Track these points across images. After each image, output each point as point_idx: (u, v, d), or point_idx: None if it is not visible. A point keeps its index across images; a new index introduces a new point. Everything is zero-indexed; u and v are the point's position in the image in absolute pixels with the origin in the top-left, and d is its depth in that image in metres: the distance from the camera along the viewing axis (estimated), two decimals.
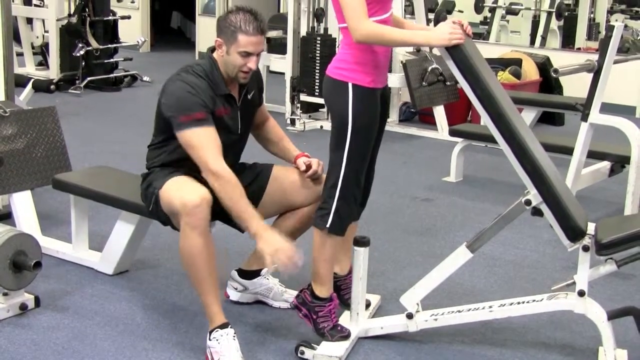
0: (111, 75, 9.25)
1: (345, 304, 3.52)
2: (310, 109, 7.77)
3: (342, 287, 3.57)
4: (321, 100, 7.52)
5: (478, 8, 10.39)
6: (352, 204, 3.21)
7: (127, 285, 3.87)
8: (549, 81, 8.05)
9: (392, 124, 7.65)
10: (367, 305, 3.53)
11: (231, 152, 3.40)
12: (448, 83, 7.16)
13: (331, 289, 3.32)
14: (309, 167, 3.47)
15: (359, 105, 3.10)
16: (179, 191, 3.17)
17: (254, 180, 3.51)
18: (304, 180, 3.48)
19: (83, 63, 8.88)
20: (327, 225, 3.18)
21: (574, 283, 3.18)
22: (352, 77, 3.11)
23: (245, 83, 3.34)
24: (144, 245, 4.07)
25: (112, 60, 9.33)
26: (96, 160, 4.79)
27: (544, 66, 8.14)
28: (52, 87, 8.71)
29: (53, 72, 8.82)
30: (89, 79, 8.91)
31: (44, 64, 9.27)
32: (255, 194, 3.49)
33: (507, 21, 10.48)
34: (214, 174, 3.12)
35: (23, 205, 4.30)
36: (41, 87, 8.59)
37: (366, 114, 3.14)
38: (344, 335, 3.28)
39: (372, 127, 3.18)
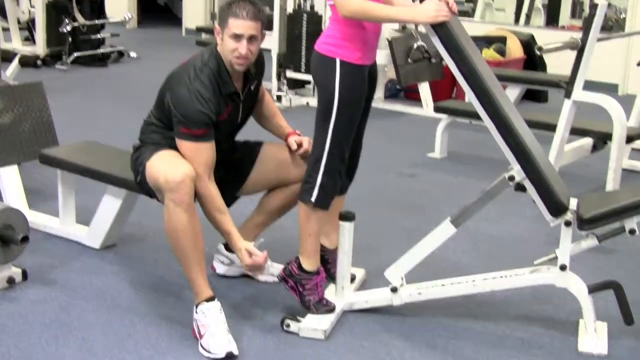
0: (98, 51, 9.20)
1: (331, 277, 3.54)
2: (296, 85, 7.76)
3: (329, 260, 3.58)
4: (307, 77, 7.52)
5: None
6: (336, 178, 3.21)
7: (115, 259, 3.87)
8: (533, 59, 8.06)
9: (378, 101, 7.63)
10: (352, 279, 3.54)
11: (228, 136, 3.42)
12: (433, 60, 7.16)
13: (318, 262, 3.33)
14: (299, 145, 3.47)
15: (346, 81, 3.10)
16: (163, 166, 3.16)
17: (244, 157, 3.52)
18: (294, 158, 3.48)
19: (70, 39, 8.82)
20: (312, 199, 3.19)
21: (556, 257, 3.20)
22: (339, 53, 3.10)
23: (246, 73, 3.30)
24: (131, 219, 4.06)
25: (98, 36, 9.27)
26: (83, 135, 4.76)
27: (528, 44, 8.14)
28: (39, 62, 8.71)
29: (39, 47, 8.75)
30: (75, 54, 8.86)
31: (30, 39, 9.21)
32: (245, 170, 3.51)
33: None
34: (197, 191, 3.15)
35: (10, 179, 4.29)
36: (28, 62, 8.55)
37: (353, 90, 3.13)
38: (329, 308, 3.29)
39: (358, 103, 3.18)
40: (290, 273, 3.32)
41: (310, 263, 3.30)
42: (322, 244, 3.48)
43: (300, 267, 3.30)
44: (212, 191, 3.20)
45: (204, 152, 3.19)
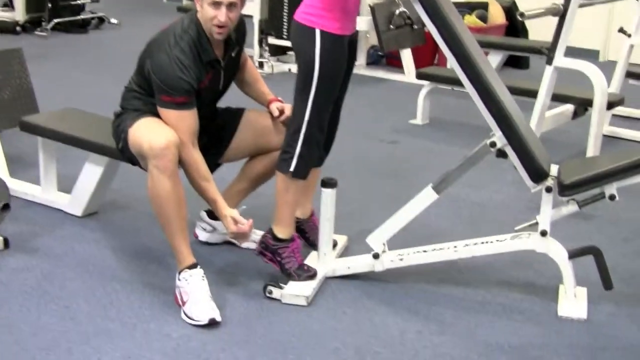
0: (78, 18, 9.10)
1: (311, 245, 3.54)
2: (278, 51, 7.72)
3: (306, 229, 3.60)
4: (290, 44, 7.47)
5: None
6: (315, 148, 3.21)
7: (97, 226, 3.85)
8: (515, 25, 8.04)
9: (360, 67, 7.61)
10: (334, 245, 3.55)
11: (209, 103, 3.40)
12: (415, 27, 7.10)
13: (293, 231, 3.33)
14: (281, 112, 3.46)
15: (326, 52, 3.08)
16: (147, 133, 3.14)
17: (226, 124, 3.50)
18: (276, 125, 3.47)
19: (49, 5, 8.72)
20: (291, 169, 3.19)
21: (536, 223, 3.21)
22: (319, 23, 3.08)
23: (227, 39, 3.27)
24: (113, 186, 4.04)
25: (79, 2, 9.16)
26: (64, 102, 4.72)
27: (510, 10, 8.12)
28: (18, 29, 8.62)
29: (19, 13, 8.65)
30: (55, 21, 8.76)
31: (9, 5, 9.09)
32: (226, 137, 3.49)
33: None
34: (181, 158, 3.13)
35: None
36: (7, 28, 8.45)
37: (333, 60, 3.12)
38: (311, 274, 3.30)
39: (338, 73, 3.16)
40: (266, 245, 3.33)
41: (284, 231, 3.30)
42: (296, 215, 3.48)
43: (274, 237, 3.30)
44: (197, 158, 3.18)
45: (187, 119, 3.16)
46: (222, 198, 3.21)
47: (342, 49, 3.15)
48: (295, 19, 3.16)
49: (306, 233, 3.59)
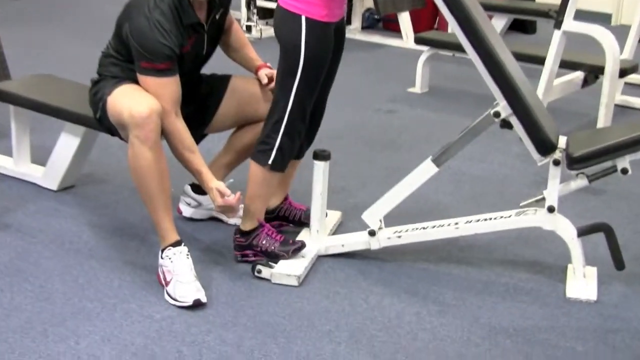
0: None
1: (302, 223, 3.56)
2: (267, 14, 7.68)
3: (286, 212, 3.60)
4: None
5: None
6: (296, 140, 3.21)
7: (73, 201, 3.85)
8: None
9: (355, 32, 7.60)
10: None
11: (193, 69, 3.39)
12: None
13: (255, 219, 3.31)
14: (270, 79, 3.44)
15: (311, 40, 3.06)
16: (127, 101, 3.12)
17: (211, 92, 3.49)
18: (265, 93, 3.46)
19: None
20: (269, 162, 3.19)
21: (543, 199, 3.22)
22: (305, 10, 3.06)
23: (210, 1, 3.24)
24: (91, 158, 4.04)
25: None
26: (37, 68, 4.70)
27: None
28: None
29: None
30: None
31: None
32: (211, 105, 3.48)
33: None
34: (164, 128, 3.12)
35: None
36: None
37: (319, 48, 3.10)
38: (297, 246, 3.30)
39: (324, 62, 3.15)
40: (241, 246, 3.33)
41: (248, 224, 3.30)
42: (270, 209, 3.50)
43: (242, 233, 3.31)
44: (181, 128, 3.17)
45: (169, 87, 3.15)
46: (208, 169, 3.20)
47: (328, 36, 3.13)
48: (279, 4, 3.14)
49: (290, 215, 3.60)
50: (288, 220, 3.59)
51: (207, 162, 3.35)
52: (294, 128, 3.17)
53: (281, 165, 3.22)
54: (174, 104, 3.15)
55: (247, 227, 3.31)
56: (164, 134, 3.15)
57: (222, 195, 3.13)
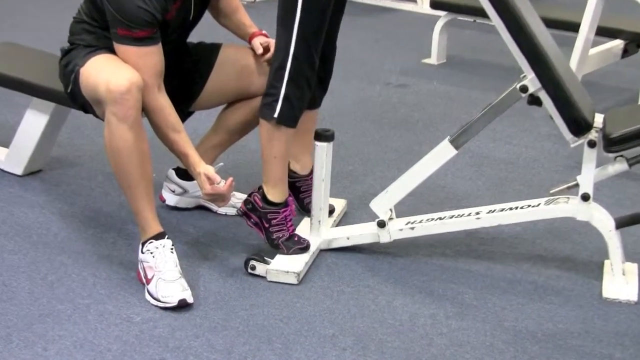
0: None
1: (305, 210, 3.56)
2: None
3: (301, 188, 3.60)
4: None
5: None
6: (304, 87, 3.18)
7: (41, 187, 3.85)
8: None
9: None
10: (331, 211, 3.56)
11: (178, 37, 3.39)
12: None
13: (286, 192, 3.33)
14: (266, 49, 3.43)
15: None
16: (103, 73, 3.11)
17: (199, 63, 3.47)
18: (260, 65, 3.45)
19: None
20: (275, 115, 3.17)
21: (577, 185, 3.21)
22: None
23: None
24: (60, 139, 4.04)
25: None
26: (0, 36, 4.71)
27: None
28: None
29: None
30: None
31: None
32: (199, 78, 3.46)
33: None
34: (145, 105, 3.11)
35: None
36: None
37: None
38: (302, 247, 3.31)
39: None
40: (253, 206, 3.32)
41: (276, 193, 3.30)
42: (292, 169, 3.48)
43: (264, 198, 3.30)
44: (164, 104, 3.17)
45: (150, 57, 3.14)
46: (195, 152, 3.20)
47: None
48: None
49: (302, 193, 3.60)
50: (298, 198, 3.59)
51: (194, 144, 3.35)
52: (300, 73, 3.15)
53: (290, 118, 3.19)
54: (155, 77, 3.14)
55: (271, 196, 3.29)
56: (145, 111, 3.14)
57: (212, 181, 3.12)
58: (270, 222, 3.30)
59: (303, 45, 3.11)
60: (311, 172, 3.48)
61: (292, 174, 3.49)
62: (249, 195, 3.34)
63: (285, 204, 3.32)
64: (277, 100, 3.16)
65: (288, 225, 3.32)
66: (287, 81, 3.14)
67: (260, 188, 3.31)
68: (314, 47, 3.15)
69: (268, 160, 3.27)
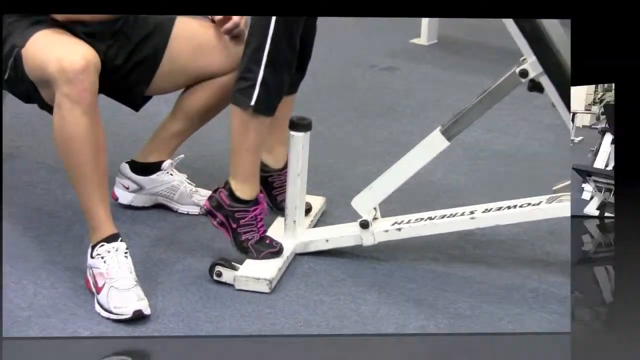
0: None
1: (278, 208, 3.56)
2: None
3: (274, 184, 3.60)
4: None
5: None
6: (283, 73, 3.18)
7: None
8: None
9: None
10: (308, 210, 3.57)
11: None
12: None
13: (257, 188, 3.32)
14: (227, 19, 3.42)
15: None
16: (53, 50, 3.07)
17: (148, 40, 3.44)
18: (221, 39, 3.44)
19: None
20: (252, 102, 3.16)
21: None
22: None
23: None
24: None
25: None
26: None
27: None
28: None
29: None
30: None
31: None
32: (152, 58, 3.44)
33: None
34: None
35: None
36: None
37: None
38: (275, 251, 3.30)
39: None
40: (219, 204, 3.31)
41: (245, 189, 3.29)
42: (264, 162, 3.47)
43: (232, 195, 3.29)
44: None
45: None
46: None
47: None
48: None
49: (274, 190, 3.61)
50: (270, 195, 3.60)
51: (152, 132, 3.33)
52: (280, 56, 3.14)
53: (267, 105, 3.19)
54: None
55: (240, 193, 3.28)
56: None
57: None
58: (239, 222, 3.29)
59: (282, 26, 3.10)
60: (285, 166, 3.48)
61: (263, 168, 3.47)
62: (214, 192, 3.33)
63: (255, 202, 3.31)
64: (253, 86, 3.14)
65: (259, 226, 3.32)
66: (266, 64, 3.13)
67: (227, 183, 3.30)
68: (295, 27, 3.15)
69: (238, 153, 3.25)
